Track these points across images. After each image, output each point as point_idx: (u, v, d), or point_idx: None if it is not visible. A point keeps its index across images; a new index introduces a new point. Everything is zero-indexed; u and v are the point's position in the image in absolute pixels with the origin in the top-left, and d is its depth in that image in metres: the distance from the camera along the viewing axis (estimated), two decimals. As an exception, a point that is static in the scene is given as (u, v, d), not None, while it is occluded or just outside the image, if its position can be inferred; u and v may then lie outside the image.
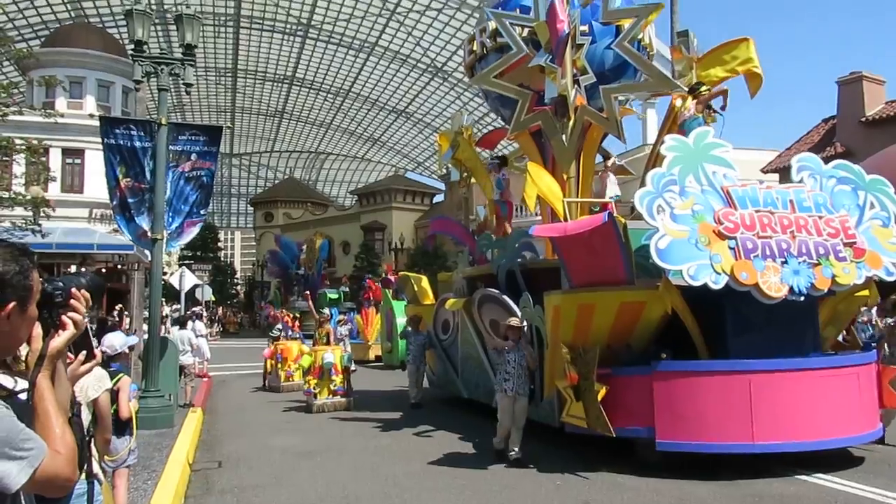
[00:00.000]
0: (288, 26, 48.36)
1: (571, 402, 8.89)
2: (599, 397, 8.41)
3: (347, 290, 39.24)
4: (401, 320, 21.34)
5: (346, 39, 49.13)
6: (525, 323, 9.73)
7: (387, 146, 66.76)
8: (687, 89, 10.44)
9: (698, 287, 7.97)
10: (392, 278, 19.95)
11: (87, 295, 2.10)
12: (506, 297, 10.92)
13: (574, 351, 8.83)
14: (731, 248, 8.07)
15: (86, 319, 2.10)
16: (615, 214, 8.64)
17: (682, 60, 11.04)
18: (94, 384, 4.81)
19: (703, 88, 10.64)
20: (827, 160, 9.16)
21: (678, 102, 11.14)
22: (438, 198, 59.75)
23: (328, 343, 14.39)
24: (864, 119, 25.18)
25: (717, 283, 7.88)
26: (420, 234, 55.35)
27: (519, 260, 11.37)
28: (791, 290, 7.99)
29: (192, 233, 13.18)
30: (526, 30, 11.50)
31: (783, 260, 8.11)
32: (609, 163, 12.17)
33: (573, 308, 8.91)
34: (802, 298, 8.07)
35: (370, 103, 57.99)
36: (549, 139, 10.90)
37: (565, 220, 10.19)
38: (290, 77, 55.11)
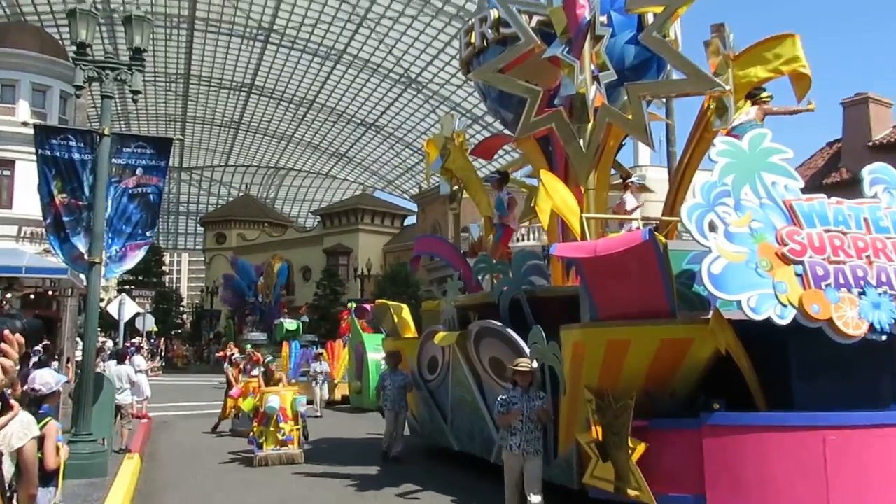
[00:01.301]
0: (247, 30, 47.57)
1: (597, 460, 7.97)
2: (635, 457, 7.44)
3: (307, 320, 38.09)
4: (373, 356, 20.39)
5: (311, 46, 48.49)
6: (535, 363, 8.75)
7: (353, 162, 66.40)
8: (727, 87, 9.64)
9: (758, 321, 7.04)
10: (367, 307, 19.04)
11: (21, 339, 2.08)
12: (510, 331, 10.06)
13: (602, 398, 7.91)
14: (798, 275, 7.19)
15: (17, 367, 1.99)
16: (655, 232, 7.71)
17: (716, 57, 10.22)
18: (18, 431, 4.34)
19: (765, 95, 9.95)
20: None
21: (712, 105, 10.37)
22: (410, 220, 59.41)
23: (277, 384, 13.53)
24: (870, 143, 24.84)
25: (784, 317, 6.97)
26: (389, 259, 54.93)
27: (525, 287, 10.47)
28: (871, 327, 7.08)
29: (136, 257, 12.46)
30: (534, 19, 10.71)
31: (860, 290, 7.24)
32: (630, 181, 11.55)
33: (601, 345, 8.01)
34: (884, 338, 7.17)
35: (336, 115, 57.53)
36: (564, 145, 10.04)
37: (582, 238, 9.39)
38: (248, 85, 54.40)
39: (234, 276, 44.41)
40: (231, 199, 72.64)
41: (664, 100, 12.47)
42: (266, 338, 37.05)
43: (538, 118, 10.19)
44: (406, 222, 61.07)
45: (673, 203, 11.08)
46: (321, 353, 21.44)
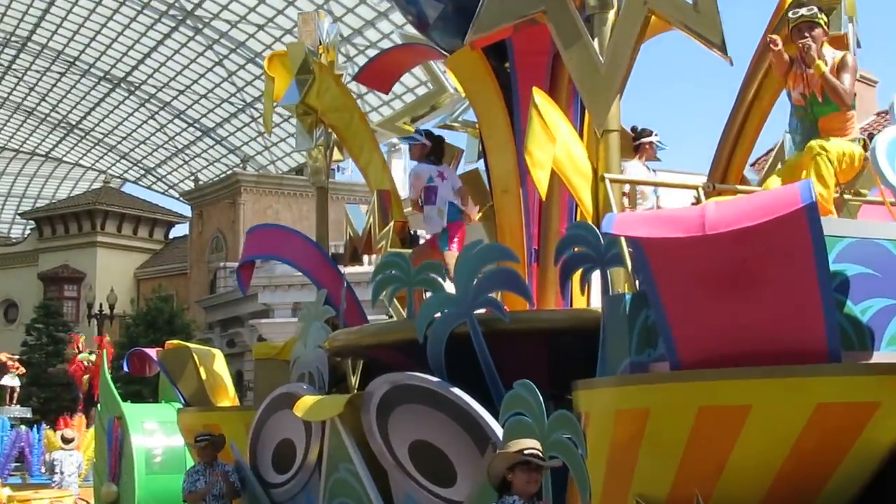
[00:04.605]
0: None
1: None
2: None
3: (19, 381, 36.17)
4: (140, 441, 18.26)
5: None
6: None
7: (91, 139, 64.62)
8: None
9: None
10: (149, 352, 17.19)
11: None
12: (458, 391, 8.73)
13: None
14: None
15: None
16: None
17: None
18: None
19: None
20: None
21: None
22: (179, 230, 59.83)
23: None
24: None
25: None
26: (144, 289, 54.43)
27: (483, 311, 9.06)
28: None
29: None
30: None
31: None
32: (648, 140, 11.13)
33: (685, 417, 6.55)
34: None
35: (65, 62, 55.72)
36: (563, 52, 8.66)
37: (598, 214, 8.26)
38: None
39: None
40: None
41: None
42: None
43: (516, -2, 8.78)
44: (172, 233, 61.38)
45: (727, 165, 10.10)
46: (71, 437, 19.45)
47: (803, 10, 7.92)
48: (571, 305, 9.97)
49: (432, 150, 11.20)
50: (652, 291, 6.78)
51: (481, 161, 12.22)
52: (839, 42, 8.84)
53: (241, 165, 55.86)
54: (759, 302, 6.39)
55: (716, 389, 6.47)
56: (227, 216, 50.40)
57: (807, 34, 7.67)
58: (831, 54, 7.79)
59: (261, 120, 53.82)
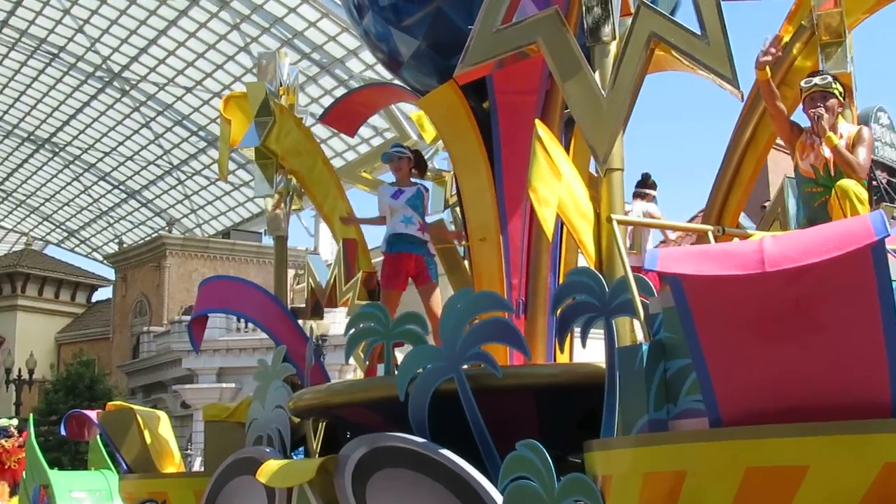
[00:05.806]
0: None
1: None
2: None
3: None
4: None
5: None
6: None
7: (13, 200, 63.67)
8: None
9: None
10: (89, 414, 16.48)
11: None
12: (449, 453, 8.04)
13: None
14: None
15: None
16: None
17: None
18: None
19: None
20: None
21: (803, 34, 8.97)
22: (102, 294, 59.48)
23: None
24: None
25: None
26: (66, 354, 53.29)
27: (472, 365, 8.45)
28: None
29: None
30: None
31: None
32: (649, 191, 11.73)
33: (728, 480, 5.94)
34: None
35: None
36: (562, 84, 8.13)
37: (601, 261, 7.84)
38: None
39: None
40: None
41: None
42: None
43: (507, 28, 8.17)
44: (95, 297, 60.83)
45: (721, 212, 9.71)
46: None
47: (816, 80, 7.56)
48: (555, 359, 9.46)
49: (416, 164, 10.61)
50: (691, 338, 6.13)
51: (447, 212, 11.85)
52: (844, 81, 8.55)
53: (166, 228, 55.63)
54: (814, 349, 5.78)
55: (767, 448, 5.85)
56: (151, 280, 50.19)
57: (820, 104, 7.28)
58: (847, 129, 7.43)
59: (187, 183, 54.13)
